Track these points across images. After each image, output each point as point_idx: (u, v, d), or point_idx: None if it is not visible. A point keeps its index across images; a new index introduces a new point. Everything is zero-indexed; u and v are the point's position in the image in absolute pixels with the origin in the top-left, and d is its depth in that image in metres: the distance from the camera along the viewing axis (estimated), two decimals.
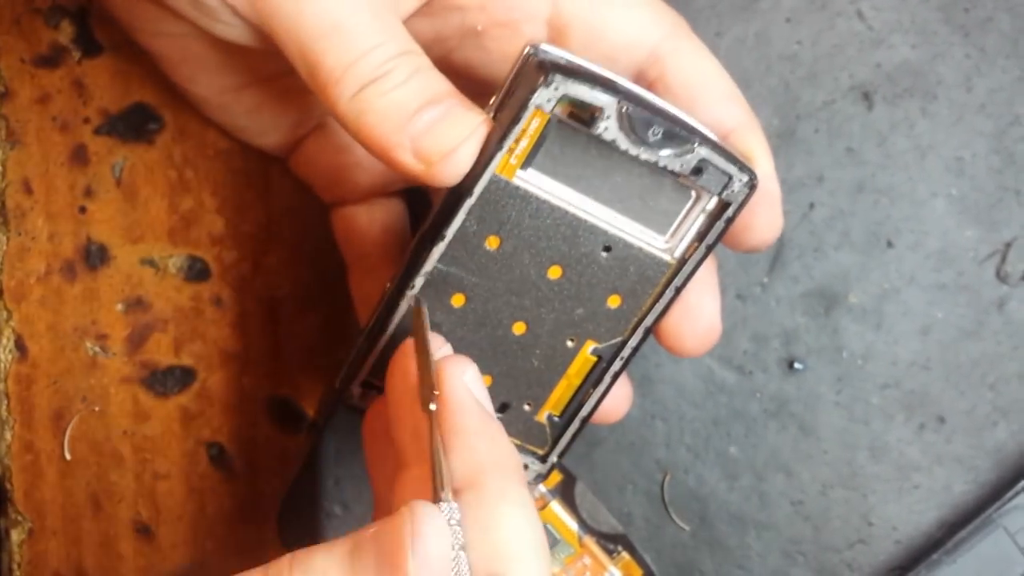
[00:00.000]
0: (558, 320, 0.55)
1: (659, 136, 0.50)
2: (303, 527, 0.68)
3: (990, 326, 0.64)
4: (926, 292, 0.64)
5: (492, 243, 0.53)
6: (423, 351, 0.51)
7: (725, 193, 0.52)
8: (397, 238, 0.63)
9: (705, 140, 0.51)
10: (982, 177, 0.64)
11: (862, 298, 0.65)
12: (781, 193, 0.56)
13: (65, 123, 0.63)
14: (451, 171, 0.50)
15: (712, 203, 0.53)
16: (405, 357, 0.52)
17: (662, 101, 0.52)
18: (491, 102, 0.52)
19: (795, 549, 0.66)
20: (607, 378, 0.57)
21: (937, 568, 0.63)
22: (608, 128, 0.50)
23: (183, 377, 0.65)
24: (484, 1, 0.55)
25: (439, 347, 0.53)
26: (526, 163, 0.51)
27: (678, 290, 0.55)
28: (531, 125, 0.50)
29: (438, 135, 0.50)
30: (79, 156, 0.64)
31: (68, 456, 0.64)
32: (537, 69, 0.50)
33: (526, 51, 0.51)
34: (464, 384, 0.50)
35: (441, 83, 0.51)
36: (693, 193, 0.53)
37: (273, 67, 0.56)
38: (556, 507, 0.67)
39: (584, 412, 0.58)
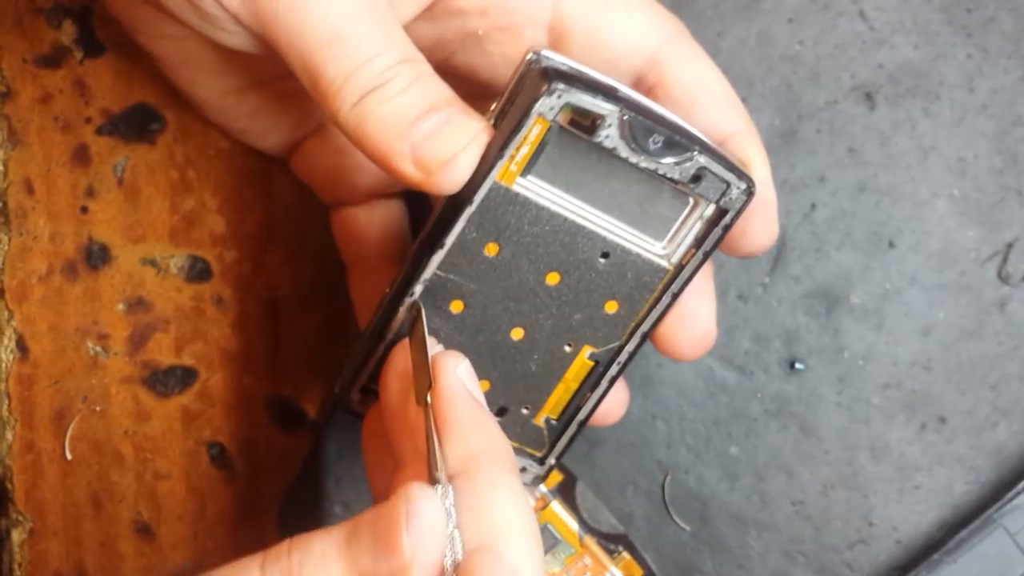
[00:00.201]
0: (556, 325, 0.55)
1: (659, 144, 0.50)
2: (304, 527, 0.68)
3: (991, 326, 0.64)
4: (927, 292, 0.64)
5: (491, 250, 0.53)
6: (420, 352, 0.51)
7: (723, 200, 0.52)
8: (396, 239, 0.63)
9: (705, 148, 0.51)
10: (984, 177, 0.63)
11: (863, 298, 0.64)
12: (782, 195, 0.56)
13: (67, 123, 0.63)
14: (451, 179, 0.50)
15: (710, 210, 0.53)
16: (399, 361, 0.53)
17: (663, 109, 0.52)
18: (492, 108, 0.52)
19: (796, 549, 0.66)
20: (604, 382, 0.57)
21: (938, 568, 0.63)
22: (609, 136, 0.50)
23: (184, 377, 0.65)
24: (485, 5, 0.55)
25: (432, 346, 0.53)
26: (526, 170, 0.51)
27: (675, 296, 0.55)
28: (532, 132, 0.50)
29: (438, 143, 0.50)
30: (81, 156, 0.64)
31: (69, 456, 0.64)
32: (540, 77, 0.50)
33: (528, 58, 0.51)
34: (457, 376, 0.51)
35: (442, 90, 0.51)
36: (691, 200, 0.53)
37: (274, 70, 0.56)
38: (557, 507, 0.67)
39: (581, 416, 0.58)
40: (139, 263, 0.64)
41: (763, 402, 0.66)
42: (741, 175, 0.52)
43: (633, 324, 0.55)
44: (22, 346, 0.64)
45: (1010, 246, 0.63)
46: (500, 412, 0.57)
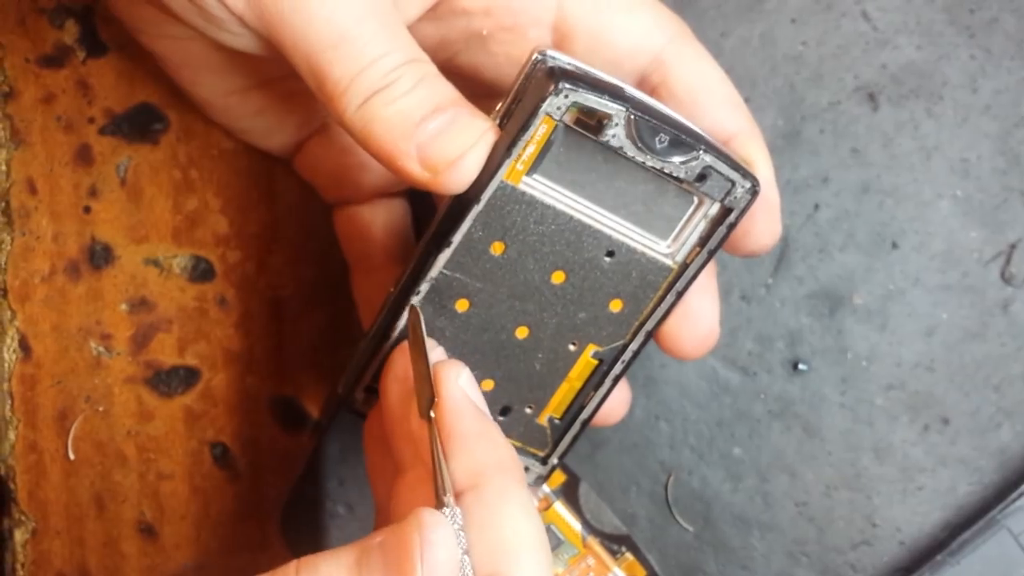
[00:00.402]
0: (560, 324, 0.55)
1: (665, 143, 0.51)
2: (306, 527, 0.68)
3: (995, 327, 0.64)
4: (931, 293, 0.64)
5: (497, 248, 0.53)
6: (420, 358, 0.51)
7: (727, 199, 0.52)
8: (400, 239, 0.63)
9: (710, 147, 0.51)
10: (987, 178, 0.63)
11: (867, 299, 0.64)
12: (785, 195, 0.57)
13: (70, 123, 0.63)
14: (457, 179, 0.50)
15: (714, 209, 0.53)
16: (399, 364, 0.52)
17: (668, 109, 0.52)
18: (497, 108, 0.52)
19: (799, 550, 0.66)
20: (608, 381, 0.57)
21: (941, 569, 0.63)
22: (616, 135, 0.50)
23: (187, 377, 0.65)
24: (489, 6, 0.55)
25: (431, 350, 0.53)
26: (532, 169, 0.51)
27: (679, 294, 0.55)
28: (539, 132, 0.50)
29: (444, 143, 0.50)
30: (84, 156, 0.64)
31: (72, 456, 0.64)
32: (547, 77, 0.50)
33: (534, 58, 0.51)
34: (460, 388, 0.51)
35: (447, 90, 0.51)
36: (696, 199, 0.53)
37: (277, 70, 0.56)
38: (560, 508, 0.67)
39: (585, 415, 0.58)
40: (142, 263, 0.64)
41: (766, 403, 0.66)
42: (746, 174, 0.52)
43: (637, 323, 0.55)
44: (25, 346, 0.63)
45: (1013, 247, 0.63)
46: (504, 411, 0.57)
